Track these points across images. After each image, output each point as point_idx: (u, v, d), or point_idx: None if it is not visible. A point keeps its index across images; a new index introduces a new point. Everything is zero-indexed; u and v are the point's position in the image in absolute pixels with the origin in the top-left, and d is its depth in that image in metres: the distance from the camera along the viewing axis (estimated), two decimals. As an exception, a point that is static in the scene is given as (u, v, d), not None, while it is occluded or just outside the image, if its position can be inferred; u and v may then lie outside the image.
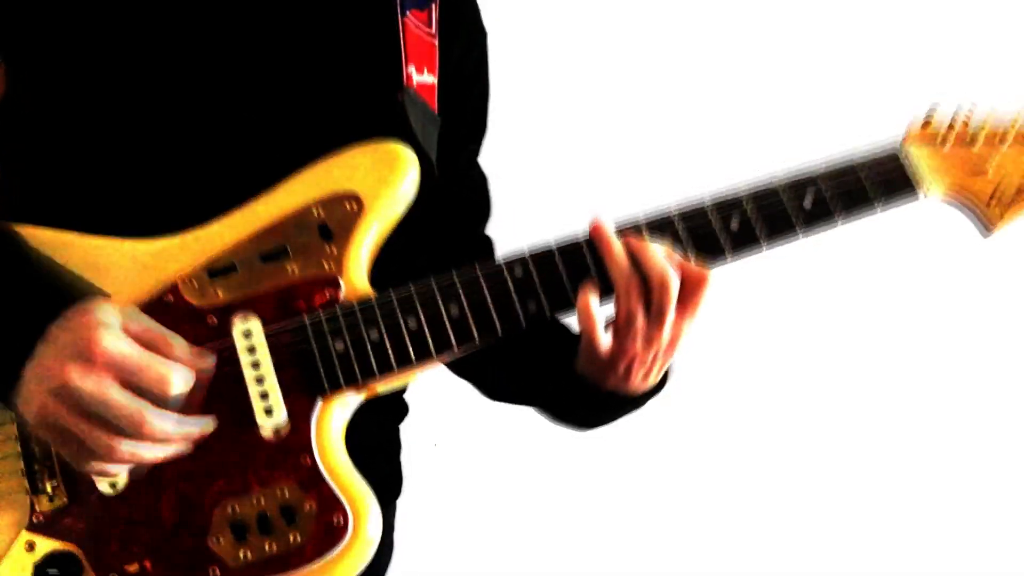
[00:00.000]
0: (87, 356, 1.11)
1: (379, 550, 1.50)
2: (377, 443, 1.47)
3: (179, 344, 1.16)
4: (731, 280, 2.43)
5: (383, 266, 1.33)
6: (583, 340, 1.31)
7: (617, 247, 1.28)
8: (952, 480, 2.75)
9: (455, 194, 1.51)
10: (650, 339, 1.29)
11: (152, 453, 1.15)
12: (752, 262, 2.44)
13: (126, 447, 1.12)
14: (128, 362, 1.12)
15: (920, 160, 1.37)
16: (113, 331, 1.12)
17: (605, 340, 1.29)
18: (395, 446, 1.55)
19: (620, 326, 1.28)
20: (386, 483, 1.45)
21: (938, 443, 2.74)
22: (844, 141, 1.40)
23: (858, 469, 2.73)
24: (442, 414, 1.82)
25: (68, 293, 1.20)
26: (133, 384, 1.11)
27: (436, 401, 1.59)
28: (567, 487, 2.64)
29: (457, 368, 1.54)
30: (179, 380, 1.14)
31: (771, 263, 2.52)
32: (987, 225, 1.40)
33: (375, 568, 1.52)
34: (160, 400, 1.13)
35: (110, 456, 1.13)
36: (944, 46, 2.51)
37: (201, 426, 1.18)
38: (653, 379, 1.34)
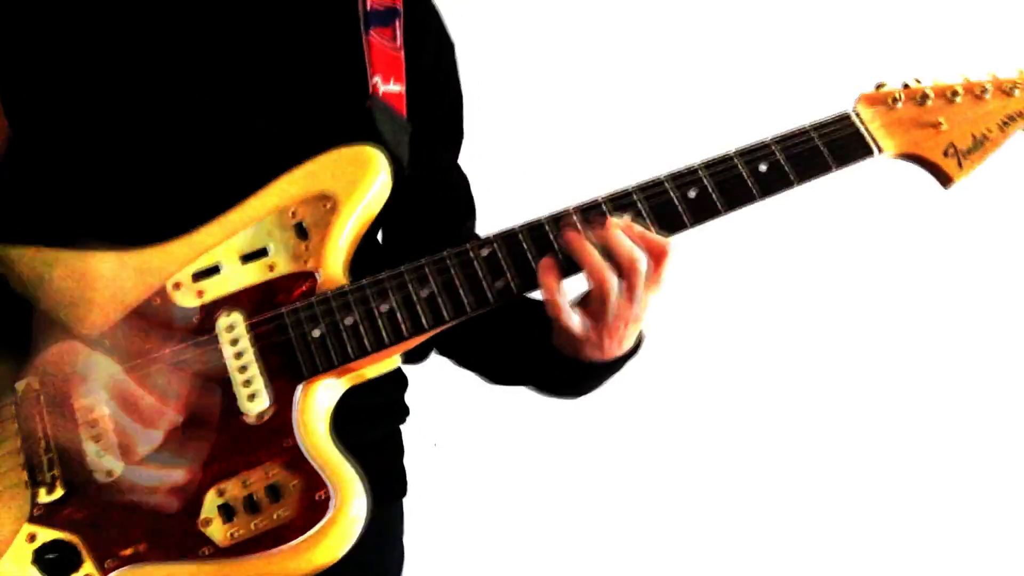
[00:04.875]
0: (60, 404, 1.23)
1: (389, 551, 1.56)
2: (375, 441, 1.51)
3: (149, 403, 1.25)
4: (729, 279, 2.49)
5: (366, 263, 1.40)
6: (554, 322, 1.36)
7: (589, 249, 1.33)
8: (948, 475, 2.72)
9: (440, 195, 1.58)
10: (620, 314, 1.34)
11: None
12: (752, 261, 2.50)
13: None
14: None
15: (873, 119, 1.41)
16: (93, 388, 1.23)
17: (575, 321, 1.34)
18: (396, 446, 1.59)
19: (593, 310, 1.34)
20: (387, 481, 1.49)
21: (934, 437, 2.73)
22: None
23: (856, 466, 2.72)
24: (442, 415, 1.86)
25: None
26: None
27: (437, 402, 1.63)
28: (571, 485, 2.64)
29: (460, 359, 1.60)
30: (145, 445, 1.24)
31: (770, 260, 2.58)
32: (946, 178, 1.43)
33: (384, 570, 1.55)
34: None
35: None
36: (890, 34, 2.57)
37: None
38: (627, 344, 1.39)
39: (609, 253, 1.32)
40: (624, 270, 1.32)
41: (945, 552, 2.70)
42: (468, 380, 1.61)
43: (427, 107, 1.55)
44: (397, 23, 1.54)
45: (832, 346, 2.72)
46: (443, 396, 1.82)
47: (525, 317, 1.45)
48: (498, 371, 1.60)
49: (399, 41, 1.52)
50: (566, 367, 1.41)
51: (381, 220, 1.46)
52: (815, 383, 2.72)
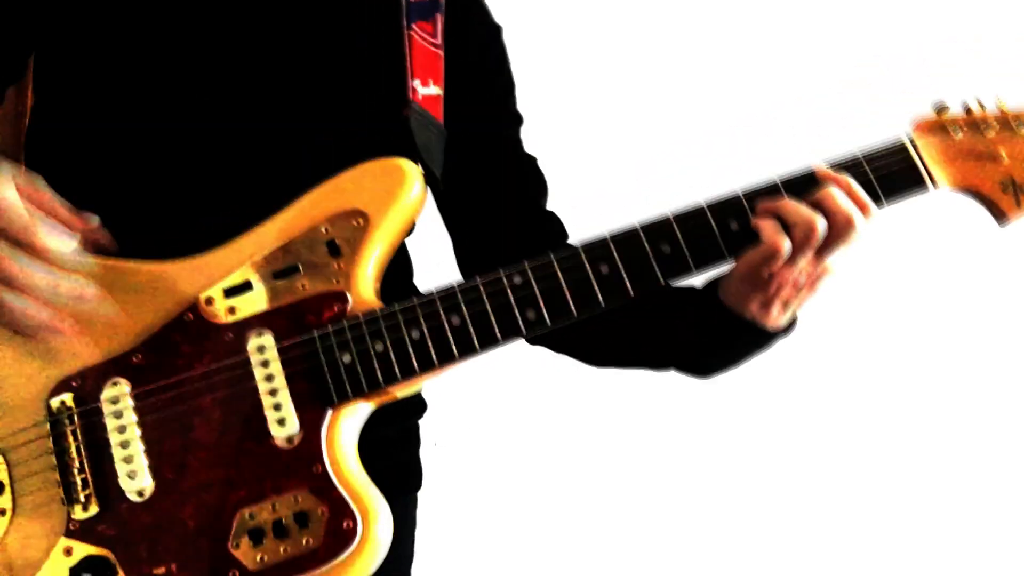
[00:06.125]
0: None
1: (401, 543, 1.57)
2: (395, 435, 1.53)
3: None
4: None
5: (397, 278, 1.39)
6: (757, 255, 1.32)
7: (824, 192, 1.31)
8: (952, 480, 2.70)
9: (509, 176, 1.56)
10: (807, 270, 1.33)
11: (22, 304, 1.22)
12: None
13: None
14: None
15: (929, 149, 1.35)
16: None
17: (787, 246, 1.29)
18: (414, 439, 1.60)
19: (793, 252, 1.31)
20: (404, 474, 1.52)
21: (938, 442, 2.71)
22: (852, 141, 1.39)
23: (858, 470, 2.71)
24: (446, 414, 1.87)
25: None
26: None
27: (438, 401, 1.64)
28: (577, 484, 2.66)
29: (558, 344, 1.57)
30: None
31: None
32: (1003, 214, 1.37)
33: (397, 563, 1.58)
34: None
35: None
36: (946, 46, 2.44)
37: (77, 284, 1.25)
38: (787, 314, 1.37)
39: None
40: (835, 226, 1.31)
41: (945, 552, 2.69)
42: (469, 379, 1.60)
43: (477, 99, 1.52)
44: (438, 17, 1.48)
45: (832, 346, 2.67)
46: (446, 393, 1.82)
47: (667, 295, 1.43)
48: (616, 348, 1.55)
49: (439, 38, 1.47)
50: (725, 323, 1.39)
51: (445, 218, 1.48)
52: (815, 383, 2.69)
